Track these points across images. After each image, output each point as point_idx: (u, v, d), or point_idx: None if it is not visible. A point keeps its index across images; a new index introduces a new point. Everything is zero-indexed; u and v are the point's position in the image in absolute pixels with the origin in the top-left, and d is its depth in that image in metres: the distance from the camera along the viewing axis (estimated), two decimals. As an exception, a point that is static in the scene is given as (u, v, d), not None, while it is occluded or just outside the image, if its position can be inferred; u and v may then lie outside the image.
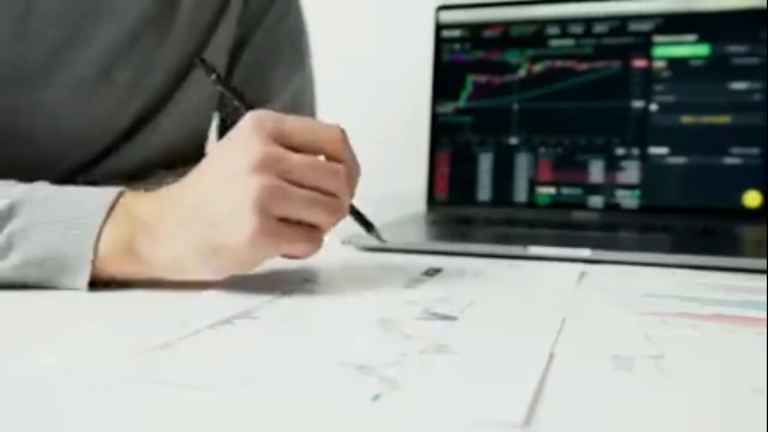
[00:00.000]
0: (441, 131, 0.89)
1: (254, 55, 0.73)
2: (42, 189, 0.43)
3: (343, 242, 0.60)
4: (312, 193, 0.40)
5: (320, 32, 0.83)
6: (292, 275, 0.47)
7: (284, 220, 0.40)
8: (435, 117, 0.89)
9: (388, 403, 0.24)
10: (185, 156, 0.70)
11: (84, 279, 0.40)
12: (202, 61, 0.46)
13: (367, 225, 0.48)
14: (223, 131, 0.77)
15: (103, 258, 0.40)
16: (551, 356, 0.29)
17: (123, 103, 0.63)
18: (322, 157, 0.41)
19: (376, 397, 0.24)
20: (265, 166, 0.38)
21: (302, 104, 0.75)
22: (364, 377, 0.26)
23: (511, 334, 0.34)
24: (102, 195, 0.42)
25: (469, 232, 0.72)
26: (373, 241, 0.50)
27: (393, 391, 0.25)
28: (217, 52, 0.69)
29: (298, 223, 0.40)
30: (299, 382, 0.26)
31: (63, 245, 0.40)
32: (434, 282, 0.46)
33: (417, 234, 0.70)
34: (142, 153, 0.64)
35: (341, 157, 0.41)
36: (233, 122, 0.42)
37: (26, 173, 0.45)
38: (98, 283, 0.41)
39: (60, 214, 0.41)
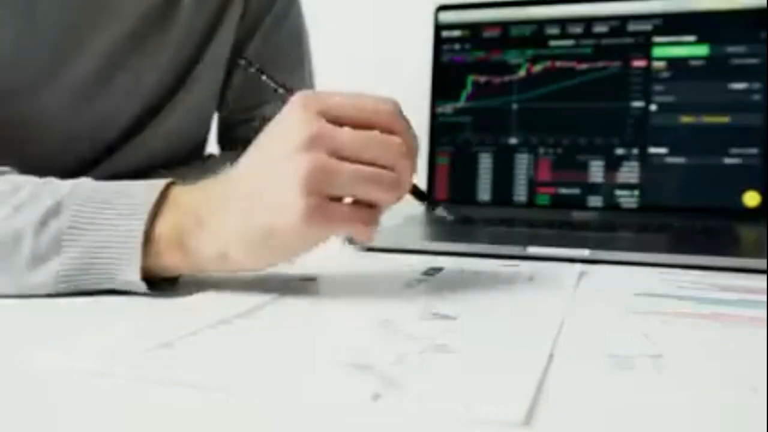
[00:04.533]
0: (441, 131, 0.89)
1: (255, 55, 0.72)
2: (87, 185, 0.41)
3: (344, 242, 0.60)
4: (365, 167, 0.38)
5: (320, 32, 0.83)
6: (292, 275, 0.47)
7: (338, 200, 0.38)
8: (435, 117, 0.89)
9: (389, 403, 0.24)
10: (185, 156, 0.70)
11: (135, 271, 0.39)
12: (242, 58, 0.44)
13: (432, 202, 0.45)
14: (223, 130, 0.77)
15: (153, 251, 0.39)
16: (551, 356, 0.29)
17: (122, 106, 0.63)
18: (377, 132, 0.39)
19: (376, 397, 0.24)
20: (313, 143, 0.37)
21: None
22: (364, 377, 0.26)
23: (510, 334, 0.34)
24: (148, 190, 0.40)
25: (468, 232, 0.72)
26: (372, 241, 0.50)
27: (393, 390, 0.25)
28: (217, 54, 0.69)
29: (357, 203, 0.39)
30: (299, 382, 0.26)
31: (113, 240, 0.39)
32: (434, 282, 0.46)
33: (417, 234, 0.70)
34: (143, 153, 0.65)
35: (396, 129, 0.39)
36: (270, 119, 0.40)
37: (25, 173, 0.45)
38: (154, 283, 0.40)
39: (108, 211, 0.39)
